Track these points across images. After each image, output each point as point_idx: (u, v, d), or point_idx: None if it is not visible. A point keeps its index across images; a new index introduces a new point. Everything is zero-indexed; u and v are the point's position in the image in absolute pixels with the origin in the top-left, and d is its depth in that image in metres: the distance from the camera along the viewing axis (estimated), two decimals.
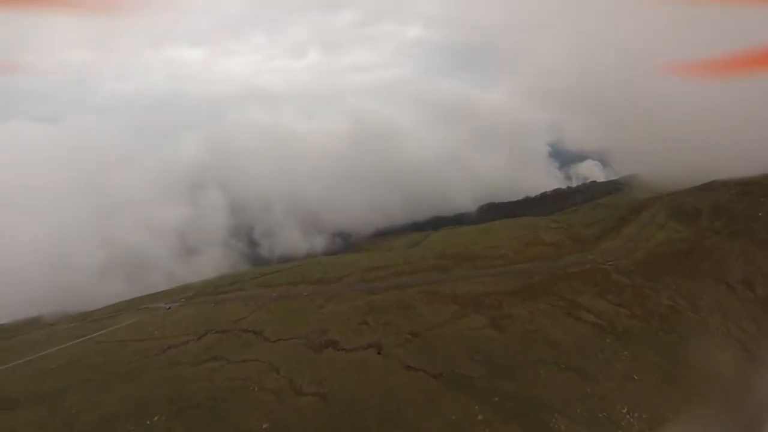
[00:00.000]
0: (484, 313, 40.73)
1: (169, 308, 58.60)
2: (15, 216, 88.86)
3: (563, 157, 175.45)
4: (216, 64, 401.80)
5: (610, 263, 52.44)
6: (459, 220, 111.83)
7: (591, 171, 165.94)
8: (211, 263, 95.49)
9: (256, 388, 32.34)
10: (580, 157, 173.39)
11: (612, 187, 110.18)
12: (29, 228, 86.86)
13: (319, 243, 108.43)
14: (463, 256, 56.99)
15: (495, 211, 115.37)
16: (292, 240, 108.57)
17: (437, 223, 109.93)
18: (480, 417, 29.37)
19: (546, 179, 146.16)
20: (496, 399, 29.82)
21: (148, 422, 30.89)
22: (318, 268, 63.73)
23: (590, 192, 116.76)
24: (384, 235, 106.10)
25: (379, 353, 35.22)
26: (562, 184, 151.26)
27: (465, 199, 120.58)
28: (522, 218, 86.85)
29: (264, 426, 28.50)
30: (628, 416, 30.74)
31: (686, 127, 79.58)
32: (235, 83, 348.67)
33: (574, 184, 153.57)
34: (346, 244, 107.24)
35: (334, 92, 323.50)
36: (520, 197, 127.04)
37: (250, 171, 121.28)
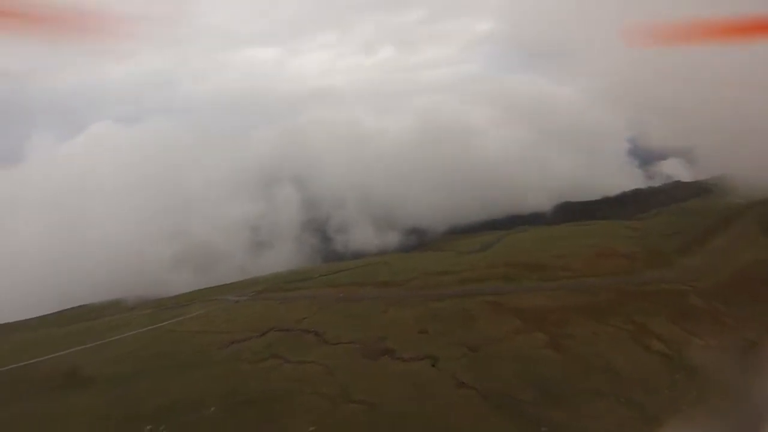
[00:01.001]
0: (546, 330, 39.46)
1: (237, 302, 62.07)
2: (100, 209, 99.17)
3: (644, 155, 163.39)
4: (288, 62, 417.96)
5: (689, 284, 48.77)
6: (534, 219, 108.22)
7: (675, 170, 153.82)
8: (282, 258, 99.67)
9: (309, 391, 33.13)
10: (663, 155, 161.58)
11: (699, 189, 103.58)
12: (113, 220, 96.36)
13: (393, 239, 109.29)
14: (530, 265, 55.69)
15: (570, 211, 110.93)
16: (365, 236, 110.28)
17: (512, 221, 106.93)
18: None
19: (625, 178, 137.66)
20: (544, 430, 28.66)
21: (204, 413, 32.64)
22: (386, 269, 64.82)
23: (674, 193, 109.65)
24: (458, 233, 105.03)
25: (433, 366, 35.05)
26: (642, 184, 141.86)
27: (540, 198, 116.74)
28: (597, 223, 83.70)
29: (310, 429, 29.24)
30: None
31: None
32: (307, 81, 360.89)
33: (656, 183, 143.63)
34: (420, 241, 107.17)
35: (405, 89, 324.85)
36: (598, 197, 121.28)
37: (323, 167, 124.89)
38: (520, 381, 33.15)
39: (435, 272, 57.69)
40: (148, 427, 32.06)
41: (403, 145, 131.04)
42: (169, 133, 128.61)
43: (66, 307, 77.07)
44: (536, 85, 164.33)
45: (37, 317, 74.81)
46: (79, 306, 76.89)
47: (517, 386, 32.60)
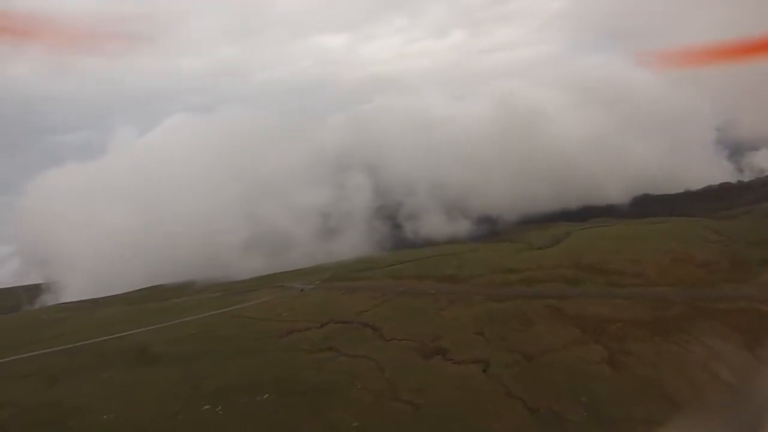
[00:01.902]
0: (605, 344, 37.80)
1: (302, 290, 64.70)
2: (177, 196, 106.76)
3: (733, 145, 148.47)
4: (359, 48, 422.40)
5: None
6: (610, 211, 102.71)
7: None
8: (352, 244, 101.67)
9: (358, 386, 33.82)
10: (755, 145, 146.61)
11: None
12: (189, 206, 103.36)
13: (464, 227, 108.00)
14: (599, 267, 53.76)
15: (650, 205, 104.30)
16: (435, 223, 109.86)
17: (586, 213, 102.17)
18: None
19: (711, 170, 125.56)
20: None
21: (258, 398, 34.39)
22: (452, 263, 64.78)
23: (765, 190, 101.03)
24: (530, 223, 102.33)
25: (484, 371, 34.67)
26: (731, 178, 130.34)
27: (617, 189, 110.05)
28: (677, 221, 78.43)
29: (354, 425, 29.94)
30: None
31: None
32: (378, 67, 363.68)
33: (746, 177, 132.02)
34: (491, 230, 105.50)
35: (478, 73, 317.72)
36: (679, 190, 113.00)
37: (395, 154, 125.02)
38: (570, 398, 32.00)
39: (500, 269, 56.90)
40: (206, 406, 34.77)
41: (475, 131, 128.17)
42: (242, 122, 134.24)
43: (144, 287, 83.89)
44: (615, 67, 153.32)
45: (119, 294, 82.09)
46: (155, 286, 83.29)
47: (567, 403, 31.48)
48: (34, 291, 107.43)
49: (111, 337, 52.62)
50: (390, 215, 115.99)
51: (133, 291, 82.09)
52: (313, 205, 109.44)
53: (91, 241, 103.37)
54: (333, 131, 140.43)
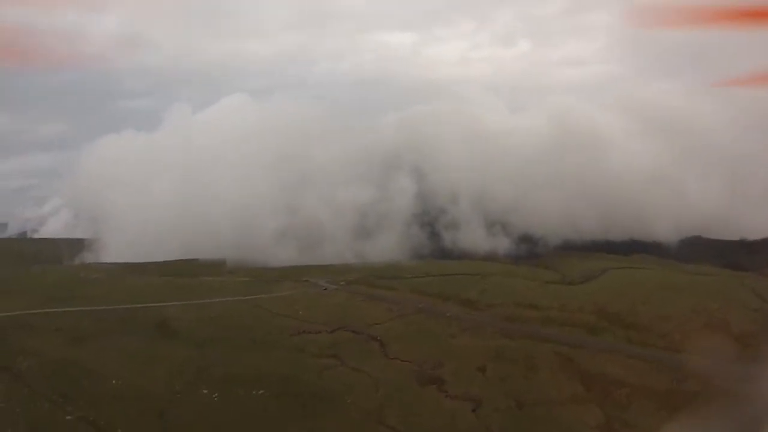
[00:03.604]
0: (606, 409, 36.90)
1: (325, 289, 67.75)
2: (221, 174, 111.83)
3: None
4: (423, 49, 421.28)
5: None
6: (655, 249, 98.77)
7: None
8: (386, 247, 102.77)
9: (351, 400, 36.19)
10: None
11: None
12: (229, 186, 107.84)
13: (503, 245, 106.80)
14: (623, 319, 51.75)
15: (699, 248, 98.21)
16: (475, 237, 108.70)
17: (631, 247, 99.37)
18: None
19: None
20: None
21: (255, 392, 37.54)
22: (477, 286, 65.49)
23: None
24: (571, 249, 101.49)
25: (474, 411, 35.76)
26: None
27: (666, 226, 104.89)
28: (722, 273, 73.88)
29: None
30: None
31: None
32: (440, 70, 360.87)
33: None
34: (530, 251, 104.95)
35: (540, 86, 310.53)
36: (735, 237, 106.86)
37: (442, 160, 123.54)
38: None
39: (522, 302, 57.12)
40: (205, 391, 38.54)
41: (528, 146, 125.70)
42: (295, 110, 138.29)
43: (178, 258, 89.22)
44: (683, 95, 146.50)
45: (154, 262, 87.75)
46: (189, 260, 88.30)
47: None
48: (77, 246, 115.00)
49: (138, 306, 57.45)
50: (429, 222, 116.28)
51: (167, 261, 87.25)
52: (352, 203, 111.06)
53: (135, 207, 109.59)
54: (384, 129, 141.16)
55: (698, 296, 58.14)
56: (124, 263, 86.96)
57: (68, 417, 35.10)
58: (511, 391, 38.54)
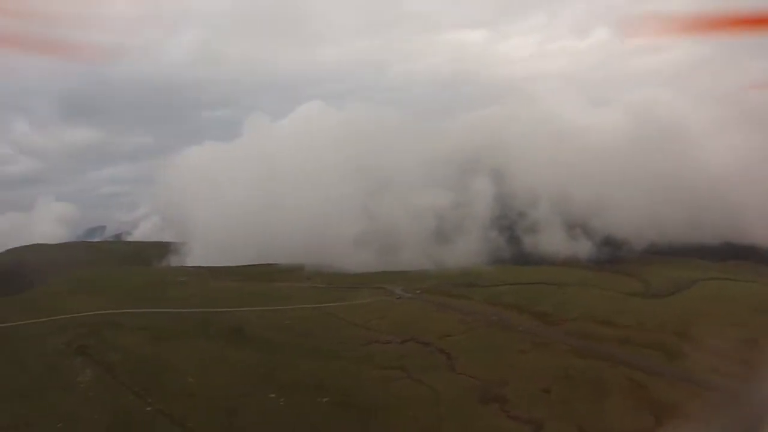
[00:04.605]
0: None
1: (399, 298, 68.80)
2: (299, 181, 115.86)
3: None
4: (495, 46, 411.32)
5: None
6: (753, 253, 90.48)
7: None
8: (464, 252, 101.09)
9: (408, 414, 36.69)
10: None
11: None
12: (307, 192, 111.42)
13: (584, 249, 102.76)
14: (708, 344, 46.17)
15: None
16: (555, 241, 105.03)
17: (725, 251, 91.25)
18: None
19: None
20: None
21: (318, 400, 39.11)
22: (553, 297, 63.88)
23: None
24: (658, 254, 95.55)
25: None
26: None
27: (765, 227, 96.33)
28: None
29: None
30: None
31: None
32: (514, 66, 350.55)
33: None
34: (613, 255, 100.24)
35: (621, 77, 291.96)
36: None
37: (521, 161, 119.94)
38: None
39: (598, 318, 54.86)
40: (272, 395, 40.73)
41: (609, 143, 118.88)
42: (373, 114, 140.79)
43: (257, 263, 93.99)
44: None
45: (235, 266, 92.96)
46: (268, 264, 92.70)
47: None
48: (164, 249, 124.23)
49: (216, 310, 61.37)
50: (508, 226, 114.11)
51: (248, 265, 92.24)
52: (430, 207, 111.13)
53: (218, 213, 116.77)
54: (461, 131, 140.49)
55: None
56: (207, 267, 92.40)
57: (148, 408, 38.38)
58: (573, 417, 36.85)
